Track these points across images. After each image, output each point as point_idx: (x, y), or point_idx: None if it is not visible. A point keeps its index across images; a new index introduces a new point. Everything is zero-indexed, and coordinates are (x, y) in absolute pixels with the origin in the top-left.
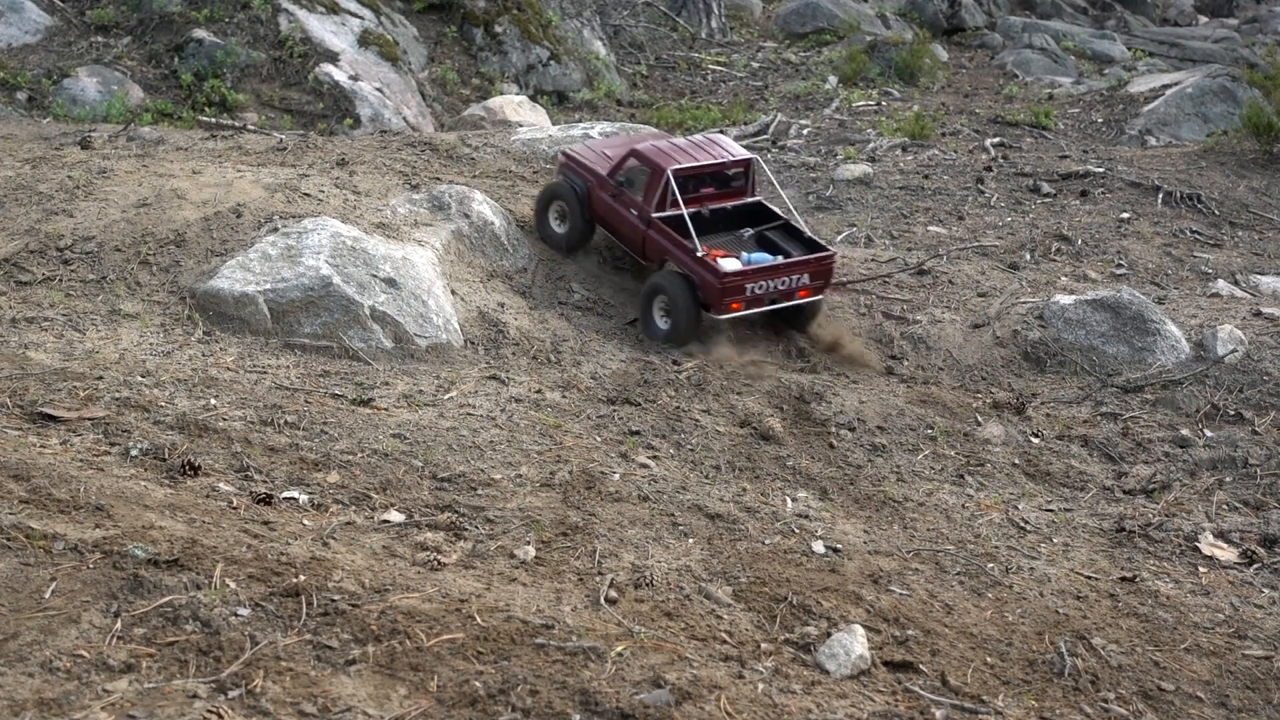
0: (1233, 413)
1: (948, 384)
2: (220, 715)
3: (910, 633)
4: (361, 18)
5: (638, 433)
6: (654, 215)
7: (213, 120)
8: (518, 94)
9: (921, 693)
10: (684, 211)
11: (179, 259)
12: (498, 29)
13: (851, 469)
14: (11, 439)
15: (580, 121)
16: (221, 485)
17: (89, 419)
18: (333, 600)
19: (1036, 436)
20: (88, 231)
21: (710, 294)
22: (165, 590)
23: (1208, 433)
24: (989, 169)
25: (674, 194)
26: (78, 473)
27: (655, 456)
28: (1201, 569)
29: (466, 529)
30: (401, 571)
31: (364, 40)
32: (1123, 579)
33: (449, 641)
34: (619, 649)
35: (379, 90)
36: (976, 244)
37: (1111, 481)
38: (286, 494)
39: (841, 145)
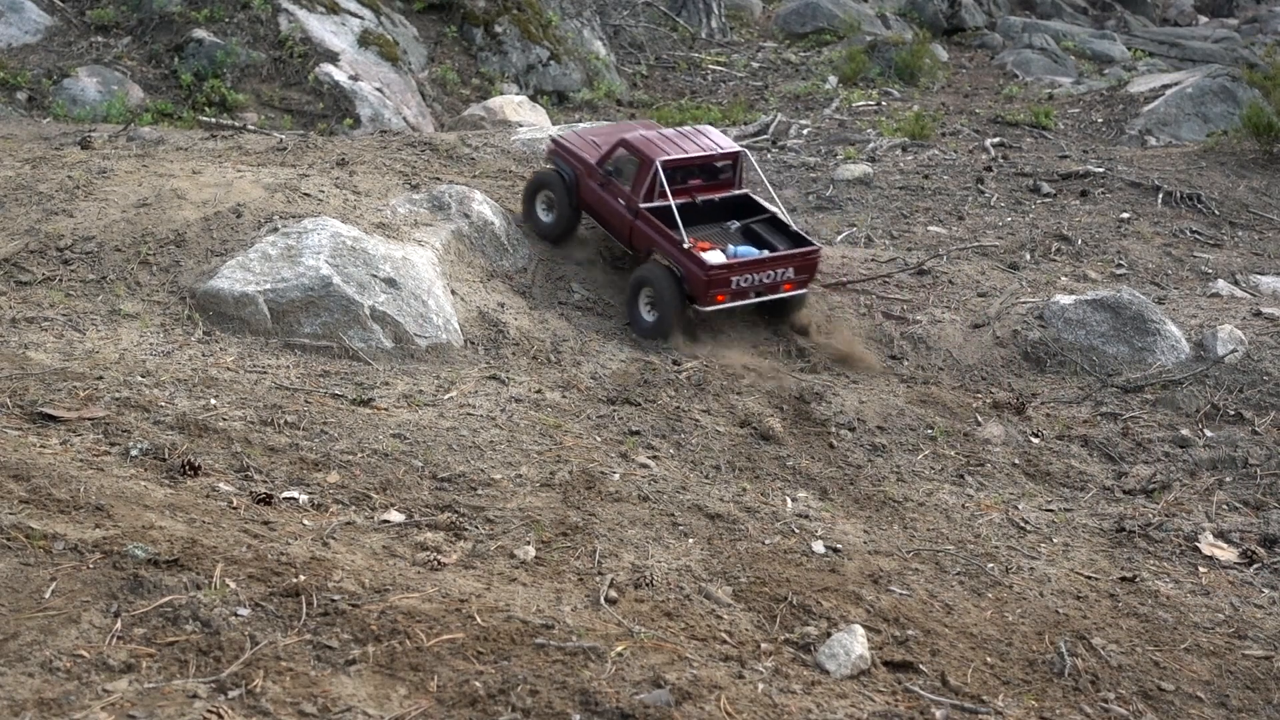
0: (1233, 413)
1: (948, 384)
2: (220, 715)
3: (910, 633)
4: (361, 18)
5: (638, 433)
6: (642, 206)
7: (213, 120)
8: (518, 94)
9: (921, 693)
10: (671, 203)
11: (179, 259)
12: (498, 29)
13: (851, 469)
14: (11, 439)
15: (580, 122)
16: (221, 485)
17: (89, 419)
18: (333, 600)
19: (1036, 436)
20: (88, 231)
21: (696, 286)
22: (165, 590)
23: (1208, 433)
24: (989, 169)
25: (662, 185)
26: (78, 473)
27: (655, 456)
28: (1201, 569)
29: (466, 529)
30: (401, 571)
31: (364, 40)
32: (1123, 579)
33: (449, 641)
34: (619, 649)
35: (379, 90)
36: (976, 244)
37: (1111, 481)
38: (286, 494)
39: (841, 145)
